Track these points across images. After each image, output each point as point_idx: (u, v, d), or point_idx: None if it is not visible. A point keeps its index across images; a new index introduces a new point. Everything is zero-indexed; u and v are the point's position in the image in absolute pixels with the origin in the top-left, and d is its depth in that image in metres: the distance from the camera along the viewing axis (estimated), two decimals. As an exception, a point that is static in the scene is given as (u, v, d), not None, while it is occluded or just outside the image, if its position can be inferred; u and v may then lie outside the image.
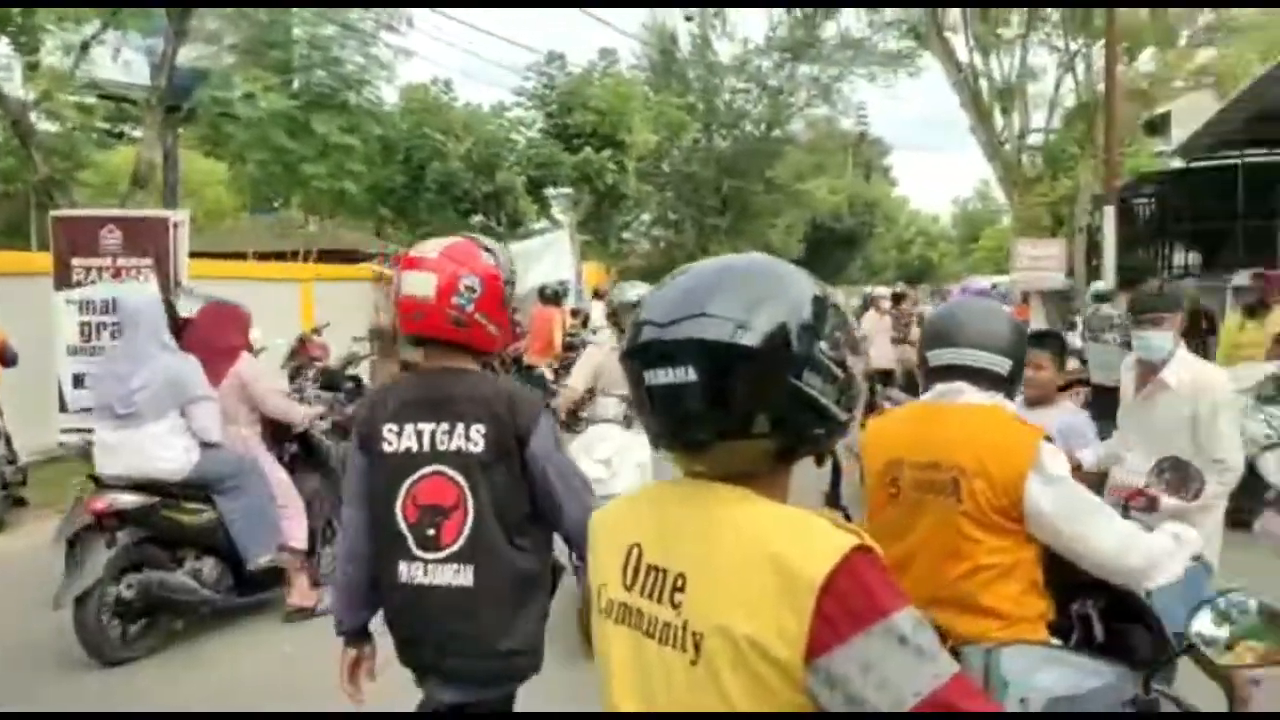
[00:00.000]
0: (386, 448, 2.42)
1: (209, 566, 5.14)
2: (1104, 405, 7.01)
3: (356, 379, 7.73)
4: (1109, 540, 2.32)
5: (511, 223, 16.60)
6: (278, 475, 5.44)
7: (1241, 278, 7.97)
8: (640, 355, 1.33)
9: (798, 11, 25.71)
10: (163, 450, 4.89)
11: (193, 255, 9.12)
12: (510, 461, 2.38)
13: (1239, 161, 14.32)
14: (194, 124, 14.07)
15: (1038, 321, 13.80)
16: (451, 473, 2.39)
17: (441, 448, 2.39)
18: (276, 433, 5.69)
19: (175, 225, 8.51)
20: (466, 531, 2.37)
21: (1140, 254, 20.30)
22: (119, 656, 4.80)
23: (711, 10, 26.56)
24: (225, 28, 13.93)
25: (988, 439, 2.37)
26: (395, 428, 2.42)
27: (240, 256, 15.81)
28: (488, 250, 2.51)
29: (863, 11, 24.52)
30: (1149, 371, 4.00)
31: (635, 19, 26.66)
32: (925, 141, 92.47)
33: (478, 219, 16.15)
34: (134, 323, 5.01)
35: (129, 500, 4.79)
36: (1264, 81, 11.42)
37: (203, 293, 6.47)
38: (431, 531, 2.39)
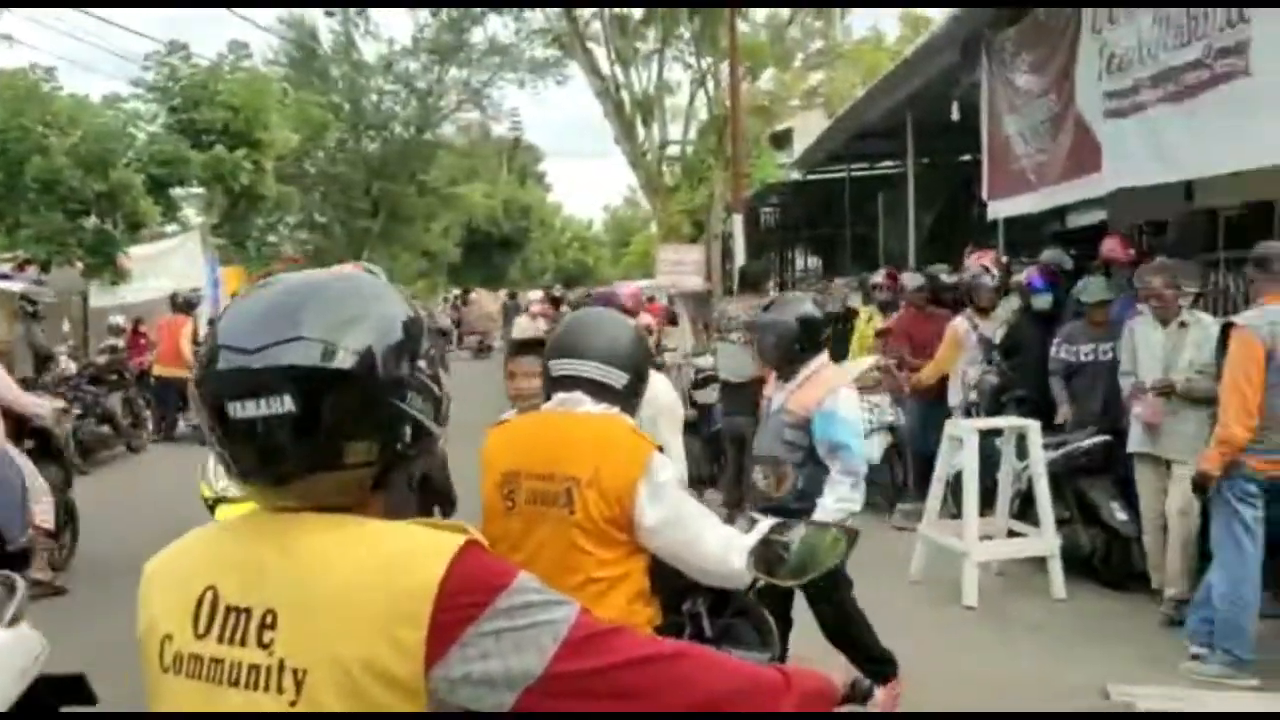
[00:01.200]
0: None
1: None
2: (731, 401, 7.46)
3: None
4: (713, 545, 2.43)
5: (131, 225, 15.07)
6: (25, 464, 5.81)
7: (878, 276, 8.84)
8: (220, 384, 1.20)
9: (444, 14, 25.50)
10: None
11: None
12: None
13: (845, 175, 15.88)
14: None
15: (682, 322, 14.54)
16: None
17: None
18: (12, 426, 5.90)
19: None
20: None
21: (768, 258, 22.08)
22: None
23: (353, 8, 25.72)
24: None
25: (602, 449, 2.44)
26: None
27: None
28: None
29: (509, 18, 24.80)
30: None
31: (271, 11, 25.12)
32: (578, 148, 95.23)
33: (91, 221, 14.51)
34: None
35: None
36: (861, 103, 12.68)
37: None
38: None
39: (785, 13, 23.25)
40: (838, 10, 23.95)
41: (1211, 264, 7.02)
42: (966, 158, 12.86)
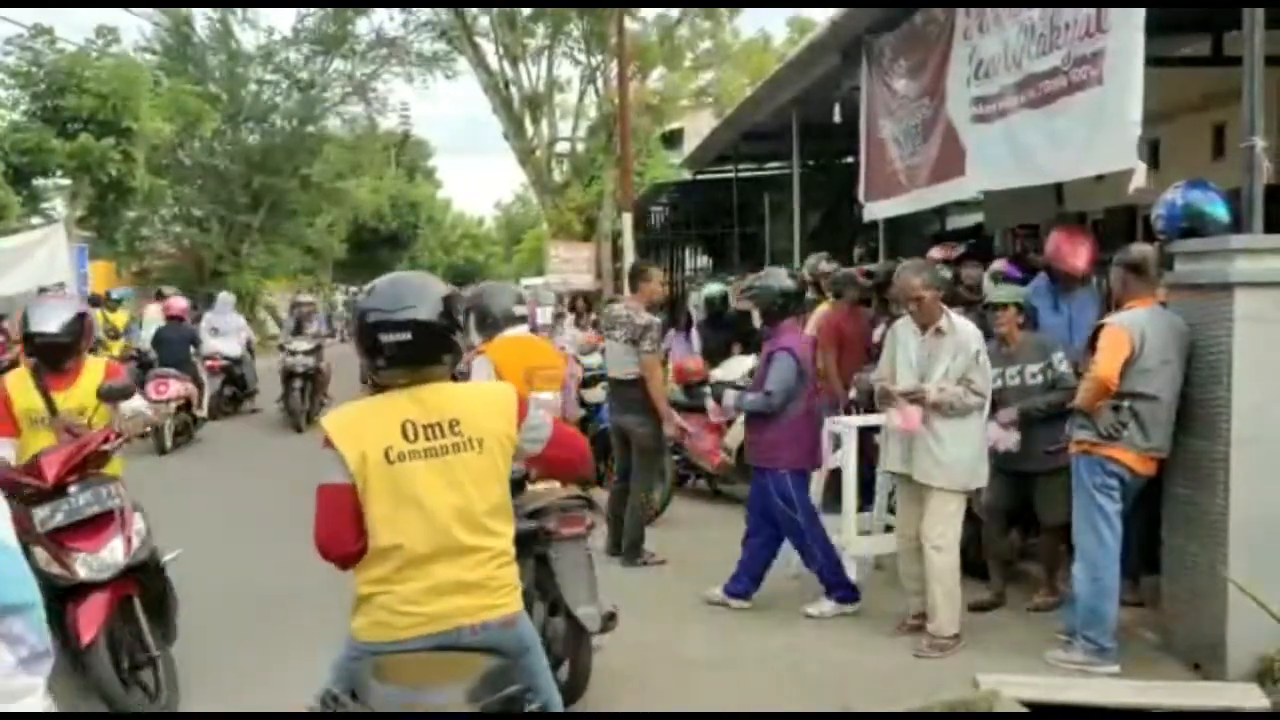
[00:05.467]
0: None
1: None
2: (619, 400, 7.40)
3: None
4: None
5: (-11, 217, 14.32)
6: None
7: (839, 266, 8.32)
8: (376, 328, 2.67)
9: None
10: None
11: None
12: None
13: (733, 175, 15.99)
14: None
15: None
16: None
17: None
18: None
19: None
20: None
21: (658, 256, 22.19)
22: None
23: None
24: None
25: (558, 356, 5.68)
26: None
27: None
28: None
29: (395, 10, 24.27)
30: None
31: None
32: (469, 144, 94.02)
33: (-55, 212, 13.72)
34: None
35: None
36: (748, 104, 12.80)
37: None
38: None
39: (674, 12, 23.38)
40: (725, 11, 24.19)
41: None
42: (849, 159, 13.10)
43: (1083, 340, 5.52)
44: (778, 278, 6.09)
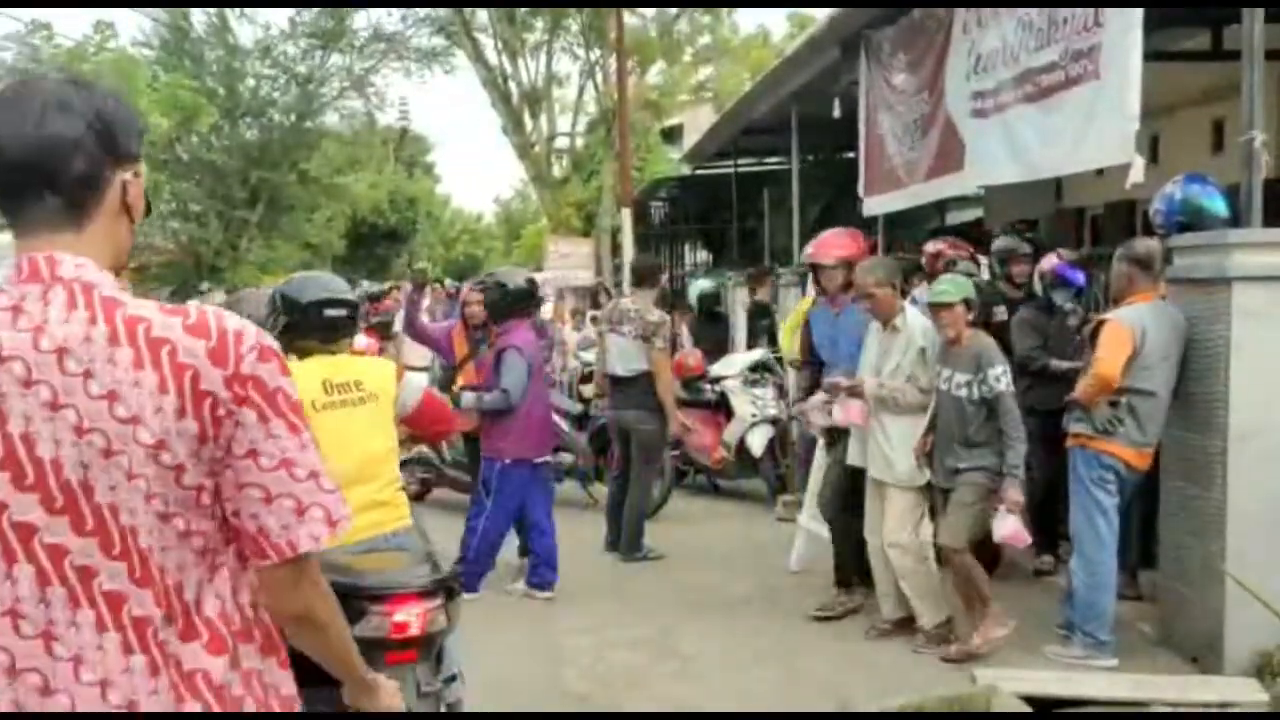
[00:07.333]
0: None
1: None
2: (621, 395, 7.39)
3: None
4: None
5: (-13, 214, 14.28)
6: None
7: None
8: (323, 305, 3.57)
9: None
10: None
11: None
12: None
13: (733, 170, 15.97)
14: None
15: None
16: None
17: None
18: None
19: None
20: None
21: (658, 252, 22.19)
22: None
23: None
24: None
25: None
26: None
27: None
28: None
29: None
30: None
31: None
32: (468, 140, 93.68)
33: (-58, 208, 13.69)
34: None
35: None
36: (747, 99, 12.79)
37: None
38: None
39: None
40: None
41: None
42: (849, 154, 13.08)
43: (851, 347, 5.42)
44: (510, 277, 6.27)
